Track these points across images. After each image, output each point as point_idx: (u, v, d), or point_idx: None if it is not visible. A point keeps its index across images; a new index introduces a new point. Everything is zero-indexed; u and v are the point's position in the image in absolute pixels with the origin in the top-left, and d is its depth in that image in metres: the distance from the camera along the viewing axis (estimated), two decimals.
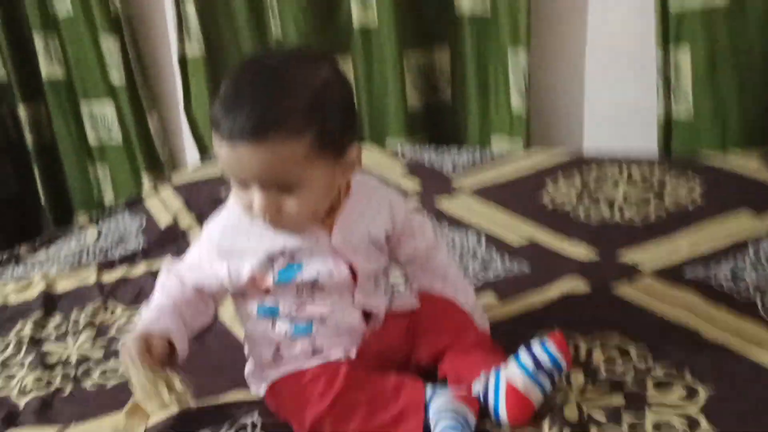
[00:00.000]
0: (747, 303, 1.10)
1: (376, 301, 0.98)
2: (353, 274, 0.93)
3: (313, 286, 0.92)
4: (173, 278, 0.95)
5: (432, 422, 0.85)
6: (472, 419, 0.86)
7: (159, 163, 2.61)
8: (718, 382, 0.92)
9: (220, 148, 0.83)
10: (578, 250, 1.33)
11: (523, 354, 0.89)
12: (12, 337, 1.20)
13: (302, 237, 0.91)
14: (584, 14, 1.89)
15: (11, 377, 1.09)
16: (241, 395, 0.99)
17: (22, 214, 2.88)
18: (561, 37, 1.95)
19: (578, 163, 1.73)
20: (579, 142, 2.01)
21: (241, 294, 0.95)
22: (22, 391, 1.05)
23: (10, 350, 1.16)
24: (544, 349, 0.89)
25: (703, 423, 0.86)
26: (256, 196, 0.84)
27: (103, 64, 2.52)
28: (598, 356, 1.01)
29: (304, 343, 0.94)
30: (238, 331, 1.11)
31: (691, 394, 0.91)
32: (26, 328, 1.22)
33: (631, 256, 1.29)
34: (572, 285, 1.20)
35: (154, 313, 0.91)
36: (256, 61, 0.91)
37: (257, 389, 0.97)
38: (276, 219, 0.86)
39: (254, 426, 0.93)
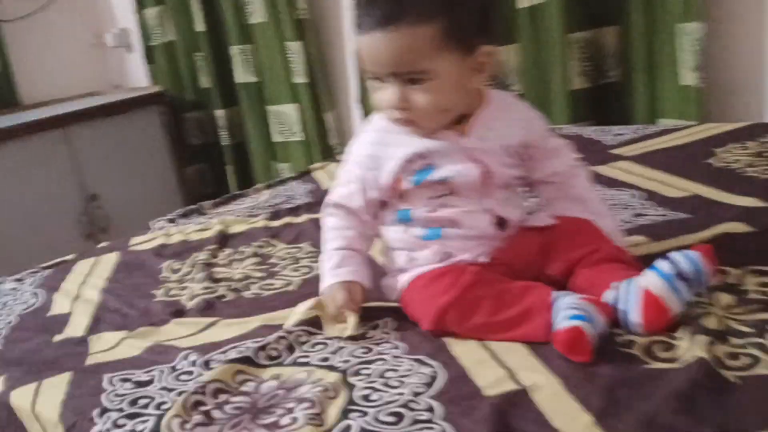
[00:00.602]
0: None
1: (508, 210, 0.99)
2: (485, 178, 0.95)
3: (446, 189, 0.96)
4: (342, 213, 1.02)
5: (556, 318, 0.84)
6: (602, 320, 0.84)
7: (333, 157, 2.78)
8: None
9: (360, 44, 0.90)
10: (744, 200, 1.24)
11: (663, 261, 0.86)
12: (189, 261, 1.35)
13: (437, 139, 0.95)
14: None
15: (184, 288, 1.23)
16: (377, 303, 1.03)
17: None
18: (738, 7, 1.83)
19: (752, 131, 1.61)
20: (760, 119, 1.87)
21: (382, 201, 1.01)
22: (191, 297, 1.18)
23: (185, 270, 1.31)
24: (687, 257, 0.85)
25: None
26: (389, 89, 0.90)
27: (288, 67, 2.75)
28: (750, 281, 0.93)
29: (435, 246, 0.97)
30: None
31: None
32: (201, 256, 1.36)
33: None
34: (732, 226, 1.12)
35: (343, 262, 0.99)
36: None
37: (392, 295, 1.01)
38: (408, 113, 0.91)
39: (386, 324, 0.97)
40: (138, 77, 3.44)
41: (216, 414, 0.81)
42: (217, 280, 1.24)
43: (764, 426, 0.65)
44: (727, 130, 1.66)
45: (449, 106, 0.94)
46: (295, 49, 2.68)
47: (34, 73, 3.24)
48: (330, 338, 0.95)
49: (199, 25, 2.95)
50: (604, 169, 1.55)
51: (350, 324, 0.96)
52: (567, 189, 1.05)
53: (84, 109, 2.93)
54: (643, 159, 1.57)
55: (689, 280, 0.84)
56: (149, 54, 3.26)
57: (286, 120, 2.88)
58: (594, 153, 1.69)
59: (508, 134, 0.98)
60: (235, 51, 2.87)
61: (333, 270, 0.99)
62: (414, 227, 0.98)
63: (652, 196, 1.34)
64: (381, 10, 0.88)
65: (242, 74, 2.91)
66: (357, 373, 0.86)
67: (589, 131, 1.87)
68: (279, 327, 1.00)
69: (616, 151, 1.66)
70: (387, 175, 0.97)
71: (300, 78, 2.72)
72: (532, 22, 2.07)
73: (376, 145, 0.99)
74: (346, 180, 1.03)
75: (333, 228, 1.03)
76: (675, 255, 0.86)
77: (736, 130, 1.65)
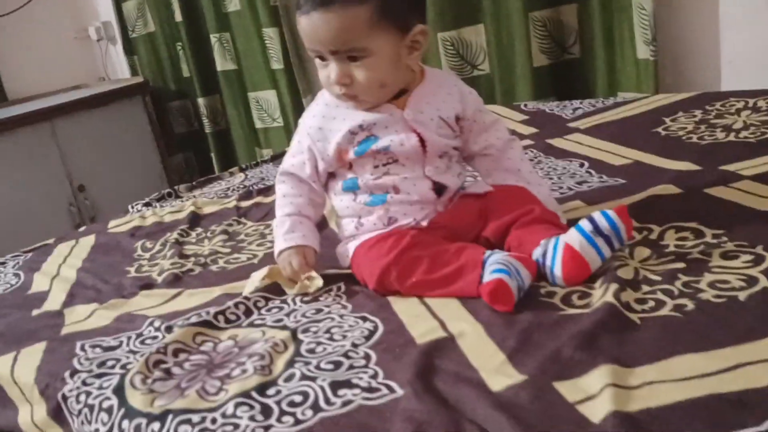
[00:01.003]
0: None
1: (447, 178, 1.06)
2: (424, 147, 1.03)
3: (388, 158, 1.03)
4: (292, 182, 1.10)
5: (484, 273, 0.91)
6: (526, 274, 0.91)
7: None
8: None
9: (301, 25, 0.98)
10: (680, 165, 1.31)
11: (583, 221, 0.93)
12: (161, 240, 1.43)
13: (378, 113, 1.03)
14: None
15: (155, 264, 1.31)
16: (333, 271, 1.11)
17: None
18: None
19: (702, 99, 1.68)
20: (715, 88, 1.94)
21: (331, 172, 1.09)
22: (160, 272, 1.26)
23: (157, 248, 1.39)
24: (605, 216, 0.92)
25: (762, 280, 0.84)
26: (331, 66, 0.98)
27: (266, 55, 2.81)
28: (670, 236, 1.01)
29: (380, 211, 1.04)
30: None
31: (758, 260, 0.90)
32: (173, 235, 1.44)
33: (736, 166, 1.25)
34: (663, 188, 1.19)
35: (295, 227, 1.07)
36: None
37: (344, 262, 1.09)
38: (349, 88, 0.99)
39: (339, 289, 1.05)
40: (123, 69, 3.50)
41: (175, 370, 0.89)
42: (186, 256, 1.32)
43: (654, 359, 0.73)
44: (677, 99, 1.73)
45: (387, 82, 1.01)
46: (271, 35, 2.74)
47: (19, 68, 3.30)
48: (289, 299, 1.03)
49: (178, 15, 3.00)
50: (560, 142, 1.63)
51: (314, 282, 1.04)
52: (502, 161, 1.12)
53: (69, 101, 2.99)
54: (595, 131, 1.64)
55: (607, 237, 0.92)
56: (131, 46, 3.32)
57: (267, 106, 2.95)
58: (552, 127, 1.76)
59: (444, 107, 1.06)
60: (214, 39, 2.93)
61: (285, 235, 1.07)
62: (361, 195, 1.06)
63: (598, 165, 1.41)
64: None
65: (222, 62, 2.98)
66: (306, 331, 0.94)
67: (550, 106, 1.94)
68: (239, 295, 1.07)
69: (572, 125, 1.74)
70: (332, 146, 1.05)
71: (277, 64, 2.78)
72: (494, 2, 2.14)
73: (323, 119, 1.07)
74: (297, 150, 1.11)
75: (284, 195, 1.10)
76: (594, 214, 0.93)
77: (686, 99, 1.71)
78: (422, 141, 1.03)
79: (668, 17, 1.92)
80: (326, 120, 1.06)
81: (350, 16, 0.95)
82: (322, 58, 1.01)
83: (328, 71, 1.01)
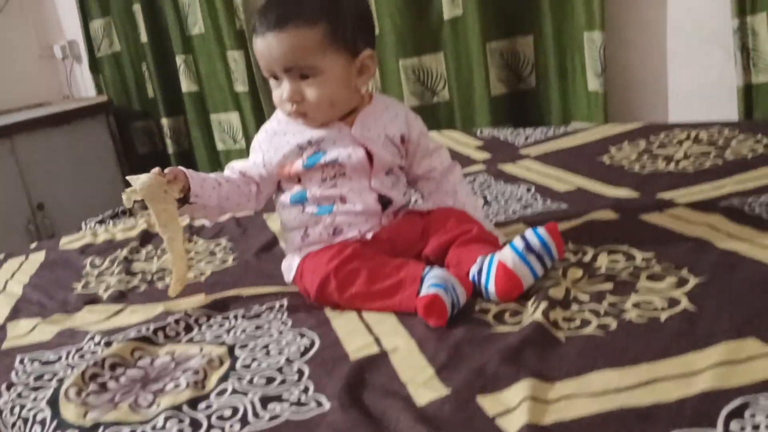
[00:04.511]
0: None
1: (392, 192, 1.11)
2: (371, 161, 1.07)
3: (336, 171, 1.07)
4: (228, 170, 1.14)
5: (421, 288, 0.94)
6: (462, 291, 0.94)
7: None
8: (713, 275, 0.94)
9: (257, 47, 1.03)
10: (620, 192, 1.35)
11: (516, 239, 0.97)
12: (110, 258, 1.43)
13: (327, 130, 1.07)
14: None
15: (102, 282, 1.31)
16: (278, 288, 1.13)
17: None
18: (640, 15, 1.97)
19: (647, 130, 1.74)
20: (665, 119, 2.00)
21: (276, 185, 1.13)
22: (106, 289, 1.26)
23: (105, 265, 1.39)
24: (536, 234, 0.96)
25: (684, 302, 0.88)
26: (284, 85, 1.02)
27: (229, 77, 2.84)
28: (602, 259, 1.04)
29: (326, 221, 1.07)
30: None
31: (681, 282, 0.93)
32: (122, 253, 1.44)
33: (673, 194, 1.29)
34: (601, 214, 1.23)
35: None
36: None
37: (289, 276, 1.11)
38: (300, 106, 1.04)
39: (281, 306, 1.06)
40: (88, 88, 3.50)
41: (111, 384, 0.90)
42: (133, 274, 1.32)
43: (574, 374, 0.75)
44: (624, 130, 1.78)
45: (337, 101, 1.06)
46: (236, 58, 2.77)
47: None
48: (231, 315, 1.05)
49: (144, 36, 3.02)
50: (510, 167, 1.67)
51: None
52: (443, 184, 1.17)
53: (30, 119, 2.97)
54: (544, 158, 1.69)
55: (538, 254, 0.95)
56: (97, 64, 3.32)
57: (229, 128, 2.96)
58: (504, 153, 1.81)
59: (390, 126, 1.11)
60: (180, 61, 2.95)
61: None
62: (309, 206, 1.09)
63: (543, 190, 1.45)
64: (274, 15, 1.01)
65: (187, 83, 2.99)
66: (243, 346, 0.95)
67: (505, 134, 1.99)
68: (181, 312, 1.08)
69: (523, 151, 1.78)
70: (278, 157, 1.09)
71: (242, 87, 2.80)
72: (453, 31, 2.19)
73: (274, 134, 1.11)
74: (250, 159, 1.14)
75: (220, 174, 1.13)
76: (527, 232, 0.97)
77: (632, 130, 1.77)
78: (369, 155, 1.07)
79: (618, 51, 1.98)
80: (277, 135, 1.11)
81: (302, 37, 1.01)
82: (276, 78, 1.05)
83: (281, 90, 1.05)
